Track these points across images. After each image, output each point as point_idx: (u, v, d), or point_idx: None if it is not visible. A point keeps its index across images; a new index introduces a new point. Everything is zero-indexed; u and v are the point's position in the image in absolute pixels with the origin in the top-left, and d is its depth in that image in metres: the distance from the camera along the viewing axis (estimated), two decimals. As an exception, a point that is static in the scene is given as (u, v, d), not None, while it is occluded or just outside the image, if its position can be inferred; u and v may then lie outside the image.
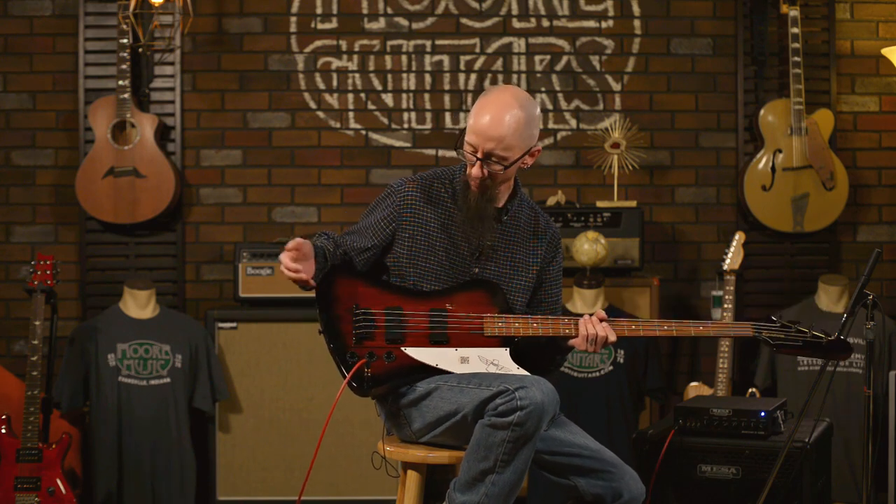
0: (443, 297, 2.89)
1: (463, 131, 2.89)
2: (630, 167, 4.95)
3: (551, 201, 4.90)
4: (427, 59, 5.11)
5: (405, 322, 2.85)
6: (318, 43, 5.10)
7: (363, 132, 5.11)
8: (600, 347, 2.86)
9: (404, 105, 5.11)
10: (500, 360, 2.83)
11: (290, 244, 2.72)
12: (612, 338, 2.85)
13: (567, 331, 2.87)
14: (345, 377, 2.80)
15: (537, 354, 2.97)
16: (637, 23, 5.12)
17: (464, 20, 5.12)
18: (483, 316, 2.86)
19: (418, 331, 2.85)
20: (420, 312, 2.87)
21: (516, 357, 2.88)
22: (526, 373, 2.81)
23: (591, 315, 2.87)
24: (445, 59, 5.11)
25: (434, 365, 2.82)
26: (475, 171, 2.85)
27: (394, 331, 2.84)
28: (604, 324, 2.85)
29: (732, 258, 4.65)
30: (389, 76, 5.11)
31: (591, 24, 5.11)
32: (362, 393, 2.84)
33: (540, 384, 2.64)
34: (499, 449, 2.59)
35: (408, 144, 5.11)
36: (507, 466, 2.60)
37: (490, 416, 2.60)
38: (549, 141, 5.12)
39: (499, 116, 2.82)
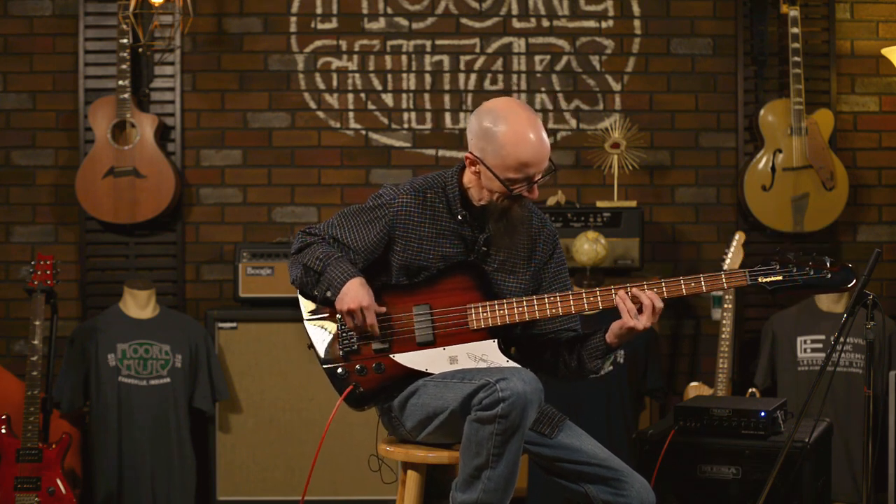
0: (425, 288, 2.86)
1: (475, 162, 2.82)
2: (630, 167, 4.95)
3: (551, 201, 4.91)
4: (427, 59, 5.11)
5: (391, 327, 2.84)
6: (318, 43, 5.10)
7: (363, 132, 5.11)
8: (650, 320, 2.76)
9: (404, 105, 5.11)
10: (488, 355, 2.80)
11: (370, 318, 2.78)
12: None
13: (566, 308, 2.80)
14: (336, 388, 2.83)
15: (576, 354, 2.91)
16: (637, 23, 5.12)
17: (464, 20, 5.12)
18: (467, 307, 2.83)
19: (405, 335, 2.84)
20: (404, 314, 2.84)
21: (521, 358, 2.85)
22: (515, 364, 2.78)
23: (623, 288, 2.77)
24: (445, 59, 5.11)
25: (424, 370, 2.81)
26: (535, 194, 2.84)
27: (380, 338, 2.84)
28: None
29: (732, 258, 4.65)
30: (389, 76, 5.10)
31: (591, 24, 5.11)
32: (358, 409, 2.88)
33: (521, 374, 2.62)
34: (489, 443, 2.59)
35: (408, 144, 5.11)
36: (499, 460, 2.60)
37: (476, 410, 2.60)
38: (548, 141, 5.11)
39: (540, 134, 2.82)
